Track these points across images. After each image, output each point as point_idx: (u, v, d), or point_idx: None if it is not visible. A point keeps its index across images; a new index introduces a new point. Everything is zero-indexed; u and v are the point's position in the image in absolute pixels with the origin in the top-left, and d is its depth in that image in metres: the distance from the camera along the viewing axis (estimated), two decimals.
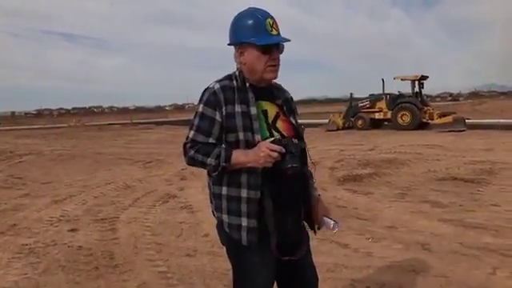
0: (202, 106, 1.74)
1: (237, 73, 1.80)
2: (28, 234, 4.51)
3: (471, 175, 6.94)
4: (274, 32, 1.73)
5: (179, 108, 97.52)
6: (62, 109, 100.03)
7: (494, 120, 19.76)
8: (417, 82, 17.92)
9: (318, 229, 1.89)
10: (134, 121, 33.88)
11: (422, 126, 17.06)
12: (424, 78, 18.06)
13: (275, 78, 1.80)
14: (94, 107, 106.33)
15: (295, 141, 1.73)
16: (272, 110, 1.80)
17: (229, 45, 1.82)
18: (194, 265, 3.56)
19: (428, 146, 11.26)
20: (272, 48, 1.73)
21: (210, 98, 1.72)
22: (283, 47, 1.78)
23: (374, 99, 18.62)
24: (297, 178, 1.72)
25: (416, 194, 5.82)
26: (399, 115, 17.39)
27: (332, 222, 1.83)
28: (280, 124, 1.80)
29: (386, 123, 18.45)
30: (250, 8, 1.78)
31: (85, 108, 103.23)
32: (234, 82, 1.77)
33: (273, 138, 1.71)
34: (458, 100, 70.50)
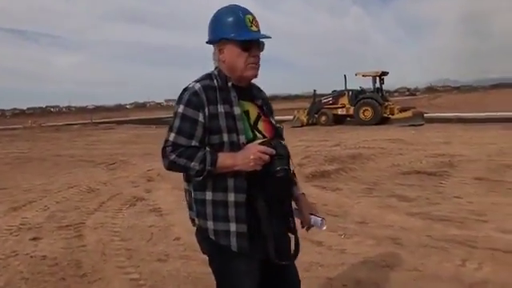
0: (182, 106, 1.65)
1: (216, 72, 1.73)
2: None
3: (433, 168, 7.18)
4: (254, 28, 1.68)
5: (140, 107, 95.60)
6: (15, 109, 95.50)
7: (451, 114, 20.62)
8: (378, 78, 18.39)
9: (307, 229, 1.84)
10: (94, 120, 32.86)
11: (383, 120, 17.56)
12: (384, 73, 18.56)
13: (256, 76, 1.75)
14: (51, 107, 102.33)
15: (283, 142, 1.69)
16: (253, 111, 1.75)
17: (207, 43, 1.75)
18: (166, 270, 3.45)
19: (390, 140, 11.58)
20: (252, 45, 1.68)
21: (192, 98, 1.64)
22: (264, 45, 1.73)
23: (337, 95, 18.96)
24: (285, 181, 1.68)
25: (383, 189, 5.95)
26: (361, 111, 17.81)
27: (319, 220, 1.79)
28: (261, 125, 1.75)
29: (348, 119, 18.84)
30: (229, 5, 1.73)
31: (41, 108, 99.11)
32: (215, 81, 1.70)
33: (261, 140, 1.66)
34: (415, 95, 73.14)
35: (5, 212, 5.51)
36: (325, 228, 1.81)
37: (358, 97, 18.28)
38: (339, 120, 18.75)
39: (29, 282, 3.33)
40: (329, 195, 5.72)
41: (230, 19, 1.67)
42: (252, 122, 1.72)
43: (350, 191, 5.90)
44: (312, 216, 1.81)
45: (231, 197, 1.63)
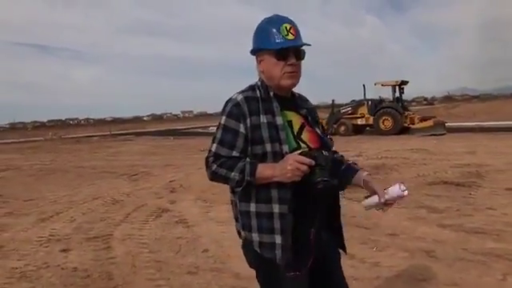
0: (224, 117, 1.66)
1: (259, 83, 1.73)
2: (17, 256, 4.27)
3: (460, 179, 7.02)
4: (290, 37, 1.66)
5: (158, 118, 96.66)
6: (36, 122, 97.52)
7: (472, 123, 20.26)
8: (397, 87, 18.23)
9: (387, 205, 1.69)
10: (112, 132, 33.30)
11: (403, 130, 17.34)
12: (404, 83, 18.39)
13: (294, 85, 1.73)
14: (70, 119, 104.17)
15: (325, 153, 1.65)
16: (297, 121, 1.73)
17: (251, 53, 1.76)
18: (197, 283, 3.42)
19: (413, 150, 11.41)
20: (288, 53, 1.66)
21: (233, 109, 1.65)
22: (304, 53, 1.71)
23: (356, 105, 18.84)
24: (327, 193, 1.63)
25: (411, 200, 5.81)
26: (381, 120, 17.64)
27: (397, 186, 1.64)
28: (306, 135, 1.72)
29: (368, 129, 18.67)
30: (271, 15, 1.74)
31: (61, 120, 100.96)
32: (257, 92, 1.70)
33: (301, 150, 1.63)
34: (432, 104, 72.21)
35: (33, 223, 5.57)
36: (407, 192, 1.64)
37: (377, 106, 18.14)
38: (358, 130, 18.61)
39: None
40: (356, 206, 5.58)
41: (269, 29, 1.67)
42: (296, 132, 1.70)
43: None
44: (389, 188, 1.68)
45: (276, 208, 1.61)
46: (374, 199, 1.70)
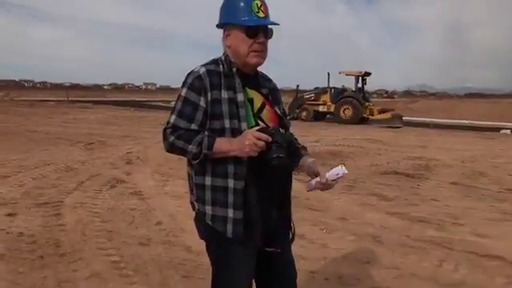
0: (185, 89, 1.65)
1: (223, 57, 1.72)
2: None
3: (411, 170, 7.34)
4: (261, 14, 1.65)
5: (119, 88, 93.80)
6: None
7: (427, 119, 21.11)
8: (360, 78, 18.62)
9: (325, 186, 1.69)
10: (70, 98, 32.04)
11: (362, 120, 17.80)
12: (367, 74, 18.80)
13: (260, 64, 1.73)
14: (25, 81, 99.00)
15: (282, 131, 1.68)
16: (258, 99, 1.74)
17: (217, 26, 1.73)
18: (148, 254, 3.42)
19: (369, 140, 11.76)
20: (258, 31, 1.65)
21: (195, 82, 1.63)
22: (272, 32, 1.71)
23: (319, 92, 19.12)
24: (281, 170, 1.67)
25: (363, 187, 6.05)
26: (342, 109, 18.02)
27: (338, 167, 1.67)
28: (265, 114, 1.74)
29: (328, 116, 19.02)
30: None
31: (14, 81, 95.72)
32: (221, 66, 1.69)
33: (259, 127, 1.65)
34: (392, 97, 74.36)
35: None
36: (346, 171, 1.66)
37: (339, 95, 18.49)
38: (320, 117, 18.91)
39: (6, 258, 3.24)
40: None
41: (238, 3, 1.65)
42: (256, 110, 1.72)
43: None
44: (331, 170, 1.69)
45: (231, 183, 1.63)
46: (316, 179, 1.71)
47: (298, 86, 20.41)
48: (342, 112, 18.00)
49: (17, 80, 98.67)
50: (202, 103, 1.62)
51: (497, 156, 9.25)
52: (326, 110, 18.79)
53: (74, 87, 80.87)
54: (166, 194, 5.28)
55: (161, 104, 32.85)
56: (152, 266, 3.23)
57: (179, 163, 5.25)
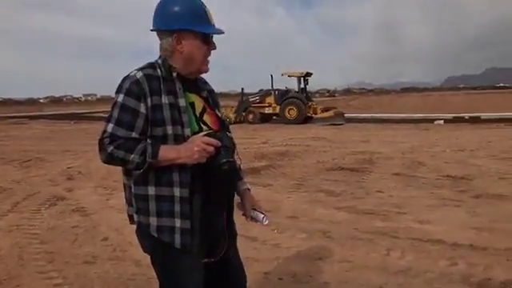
0: (122, 95, 1.55)
1: (159, 61, 1.65)
2: None
3: (355, 165, 7.59)
4: (213, 22, 1.65)
5: (56, 101, 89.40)
6: None
7: (367, 114, 21.98)
8: (302, 79, 19.02)
9: (250, 219, 1.83)
10: (2, 114, 30.03)
11: (306, 119, 18.19)
12: (309, 74, 19.25)
13: (208, 71, 1.71)
14: None
15: (229, 134, 1.66)
16: (199, 103, 1.70)
17: (154, 30, 1.65)
18: (94, 272, 3.25)
19: (314, 138, 12.04)
20: (211, 39, 1.65)
21: (133, 87, 1.54)
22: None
23: (264, 94, 19.30)
24: (230, 174, 1.64)
25: (310, 184, 6.16)
26: (287, 110, 18.31)
27: (262, 215, 1.79)
28: (207, 117, 1.70)
29: (274, 117, 19.25)
30: None
31: None
32: (158, 70, 1.62)
33: (205, 132, 1.61)
34: (334, 96, 76.88)
35: None
36: (267, 223, 1.80)
37: (283, 96, 18.76)
38: (266, 118, 19.10)
39: None
40: (260, 191, 5.77)
41: (192, 9, 1.60)
42: (198, 114, 1.67)
43: (280, 187, 6.03)
44: (255, 211, 1.81)
45: (177, 192, 1.56)
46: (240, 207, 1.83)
47: (242, 89, 20.48)
48: (287, 113, 18.28)
49: None
50: (143, 109, 1.54)
51: (433, 145, 9.80)
52: (271, 111, 19.00)
53: (6, 102, 75.99)
54: (111, 207, 5.06)
55: (102, 115, 31.62)
56: (99, 284, 3.07)
57: None
